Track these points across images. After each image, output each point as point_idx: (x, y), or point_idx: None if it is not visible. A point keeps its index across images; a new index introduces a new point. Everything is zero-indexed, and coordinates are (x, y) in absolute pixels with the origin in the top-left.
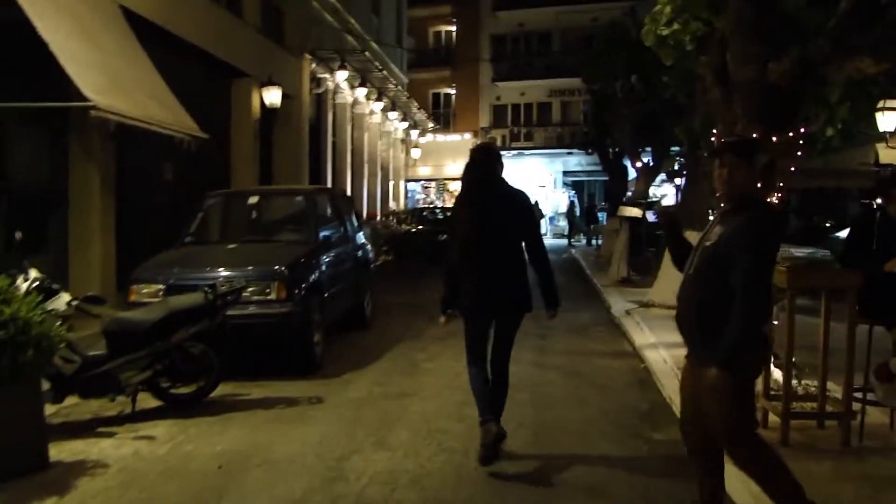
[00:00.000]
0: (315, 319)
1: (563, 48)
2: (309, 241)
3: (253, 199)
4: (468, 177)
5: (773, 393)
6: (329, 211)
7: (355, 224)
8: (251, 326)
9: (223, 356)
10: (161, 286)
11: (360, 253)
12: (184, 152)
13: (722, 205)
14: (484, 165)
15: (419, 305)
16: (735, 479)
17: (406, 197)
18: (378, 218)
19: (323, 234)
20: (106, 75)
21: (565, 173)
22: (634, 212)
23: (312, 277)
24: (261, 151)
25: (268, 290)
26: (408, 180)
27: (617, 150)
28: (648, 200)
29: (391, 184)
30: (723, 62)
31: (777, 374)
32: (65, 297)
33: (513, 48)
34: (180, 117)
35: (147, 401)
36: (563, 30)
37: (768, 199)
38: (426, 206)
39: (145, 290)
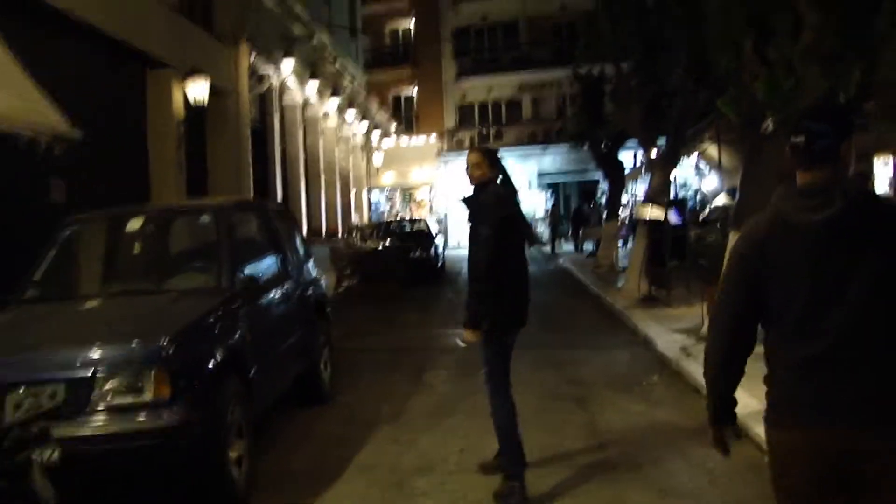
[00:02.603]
0: (231, 424)
1: (531, 39)
2: (220, 286)
3: (135, 224)
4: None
5: None
6: (256, 235)
7: (300, 251)
8: (109, 457)
9: None
10: None
11: (309, 292)
12: (81, 164)
13: None
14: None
15: (395, 351)
16: None
17: (370, 209)
18: (339, 234)
19: (246, 272)
20: None
21: (540, 174)
22: (656, 213)
23: (224, 349)
24: (191, 159)
25: (140, 385)
26: (370, 189)
27: (611, 142)
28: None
29: (353, 193)
30: None
31: None
32: None
33: (477, 42)
34: (37, 109)
35: None
36: (530, 19)
37: None
38: (393, 218)
39: None
